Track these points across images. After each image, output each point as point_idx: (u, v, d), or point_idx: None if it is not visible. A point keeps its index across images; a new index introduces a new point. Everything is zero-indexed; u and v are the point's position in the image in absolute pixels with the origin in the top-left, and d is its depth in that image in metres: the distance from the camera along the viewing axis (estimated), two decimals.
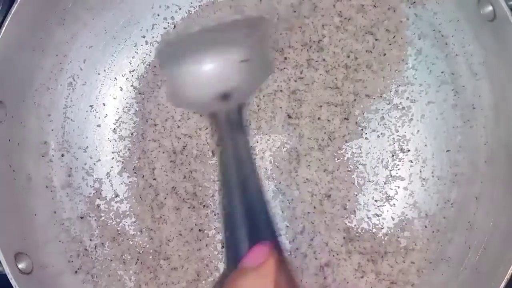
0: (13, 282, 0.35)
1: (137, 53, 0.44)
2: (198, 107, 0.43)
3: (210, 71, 0.42)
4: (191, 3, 0.44)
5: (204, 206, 0.43)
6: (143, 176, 0.44)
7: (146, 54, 0.44)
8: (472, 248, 0.40)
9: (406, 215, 0.43)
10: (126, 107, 0.44)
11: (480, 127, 0.41)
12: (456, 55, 0.42)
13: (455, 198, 0.42)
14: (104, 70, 0.44)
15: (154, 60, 0.44)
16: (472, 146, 0.42)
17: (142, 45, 0.44)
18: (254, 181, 0.40)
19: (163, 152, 0.43)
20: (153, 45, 0.44)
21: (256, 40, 0.42)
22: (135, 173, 0.44)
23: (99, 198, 0.43)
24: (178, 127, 0.43)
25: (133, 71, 0.44)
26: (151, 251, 0.43)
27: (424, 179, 0.43)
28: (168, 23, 0.44)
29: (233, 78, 0.42)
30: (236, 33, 0.43)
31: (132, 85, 0.44)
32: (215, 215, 0.43)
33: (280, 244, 0.40)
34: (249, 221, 0.39)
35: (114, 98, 0.44)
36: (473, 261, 0.39)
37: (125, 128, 0.44)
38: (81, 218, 0.43)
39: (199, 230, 0.43)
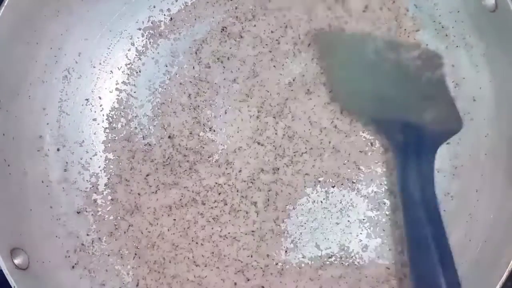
0: (9, 277, 0.35)
1: (133, 45, 0.44)
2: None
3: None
4: None
5: (202, 203, 0.43)
6: (140, 171, 0.43)
7: (142, 47, 0.44)
8: (473, 241, 0.39)
9: None
10: (123, 100, 0.44)
11: (480, 119, 0.41)
12: (457, 46, 0.41)
13: (455, 191, 0.42)
14: (100, 63, 0.44)
15: None
16: (472, 139, 0.41)
17: (138, 38, 0.44)
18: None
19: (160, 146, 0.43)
20: (148, 38, 0.44)
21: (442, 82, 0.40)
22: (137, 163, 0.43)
23: (95, 193, 0.43)
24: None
25: (129, 63, 0.44)
26: (148, 245, 0.42)
27: None
28: (165, 15, 0.44)
29: (427, 114, 0.39)
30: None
31: (128, 78, 0.44)
32: (211, 208, 0.43)
33: None
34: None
35: (110, 92, 0.44)
36: (474, 254, 0.39)
37: (121, 122, 0.44)
38: (78, 213, 0.42)
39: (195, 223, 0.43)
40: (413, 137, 0.39)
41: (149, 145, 0.43)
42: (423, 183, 0.38)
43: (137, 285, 0.42)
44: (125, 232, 0.43)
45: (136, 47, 0.44)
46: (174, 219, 0.43)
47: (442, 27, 0.41)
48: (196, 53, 0.43)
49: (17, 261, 0.36)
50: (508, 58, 0.38)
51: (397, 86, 0.41)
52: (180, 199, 0.43)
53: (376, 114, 0.41)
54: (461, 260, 0.38)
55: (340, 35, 0.42)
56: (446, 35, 0.41)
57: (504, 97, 0.39)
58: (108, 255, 0.42)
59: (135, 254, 0.42)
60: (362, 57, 0.41)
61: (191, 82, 0.43)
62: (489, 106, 0.40)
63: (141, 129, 0.44)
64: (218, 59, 0.43)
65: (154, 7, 0.44)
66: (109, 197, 0.43)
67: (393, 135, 0.40)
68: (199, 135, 0.43)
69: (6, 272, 0.35)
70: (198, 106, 0.43)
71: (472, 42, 0.40)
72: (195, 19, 0.44)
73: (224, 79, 0.43)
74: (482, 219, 0.40)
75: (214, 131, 0.43)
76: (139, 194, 0.43)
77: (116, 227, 0.43)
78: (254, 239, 0.42)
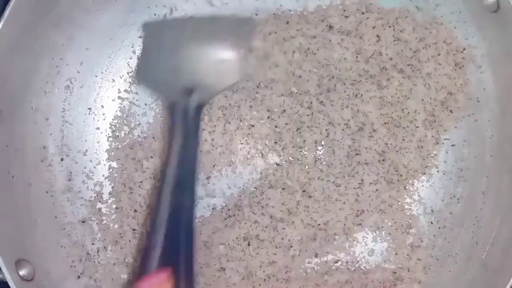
0: None
1: (134, 53, 0.44)
2: (159, 92, 0.43)
3: (183, 62, 0.42)
4: (187, 1, 0.43)
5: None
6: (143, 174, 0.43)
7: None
8: (480, 244, 0.39)
9: (412, 211, 0.42)
10: (125, 108, 0.44)
11: (485, 120, 0.40)
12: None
13: (461, 193, 0.42)
14: (102, 72, 0.44)
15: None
16: (477, 140, 0.41)
17: (139, 46, 0.44)
18: (189, 185, 0.40)
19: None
20: None
21: (235, 41, 0.42)
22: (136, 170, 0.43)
23: (100, 202, 0.43)
24: None
25: (131, 72, 0.44)
26: None
27: (429, 174, 0.42)
28: None
29: (202, 75, 0.42)
30: (220, 30, 0.43)
31: (130, 87, 0.44)
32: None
33: (184, 274, 0.38)
34: (169, 236, 0.39)
35: (112, 100, 0.44)
36: (481, 257, 0.39)
37: (124, 130, 0.44)
38: (83, 222, 0.42)
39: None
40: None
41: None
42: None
43: None
44: (130, 241, 0.43)
45: (137, 55, 0.44)
46: None
47: (445, 29, 0.41)
48: None
49: (22, 272, 0.36)
50: (511, 58, 0.37)
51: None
52: None
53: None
54: (468, 264, 0.38)
55: None
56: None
57: (508, 97, 0.39)
58: (114, 264, 0.42)
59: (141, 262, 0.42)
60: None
61: None
62: (493, 107, 0.40)
63: (144, 137, 0.44)
64: None
65: (155, 14, 0.44)
66: (114, 206, 0.43)
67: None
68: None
69: (11, 284, 0.35)
70: None
71: (474, 43, 0.40)
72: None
73: None
74: (488, 222, 0.39)
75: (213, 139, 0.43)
76: (144, 202, 0.43)
77: (121, 235, 0.43)
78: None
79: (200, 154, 0.42)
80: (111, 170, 0.43)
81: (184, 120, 0.41)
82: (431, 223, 0.42)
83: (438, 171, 0.42)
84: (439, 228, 0.42)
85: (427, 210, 0.42)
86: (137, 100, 0.44)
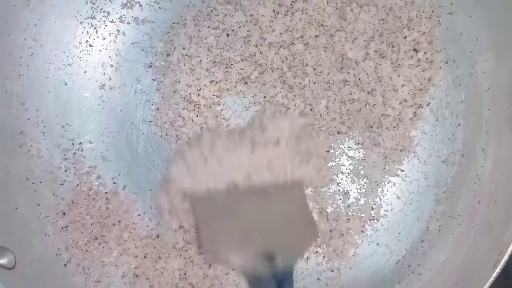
0: None
1: (111, 33, 0.42)
2: (240, 266, 0.37)
3: (254, 229, 0.38)
4: None
5: None
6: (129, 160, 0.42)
7: (122, 33, 0.42)
8: (482, 203, 0.37)
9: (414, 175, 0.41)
10: (106, 85, 0.42)
11: (480, 73, 0.38)
12: None
13: (461, 151, 0.40)
14: (80, 51, 0.42)
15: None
16: (474, 94, 0.39)
17: (114, 22, 0.42)
18: None
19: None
20: (129, 23, 0.42)
21: (298, 200, 0.39)
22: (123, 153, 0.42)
23: (85, 187, 0.41)
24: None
25: (107, 49, 0.42)
26: (149, 240, 0.41)
27: (426, 133, 0.41)
28: None
29: (279, 239, 0.37)
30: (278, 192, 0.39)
31: (111, 65, 0.42)
32: None
33: None
34: None
35: (91, 83, 0.42)
36: (485, 216, 0.37)
37: (109, 113, 0.42)
38: (68, 209, 0.41)
39: None
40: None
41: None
42: None
43: (135, 282, 0.40)
44: (114, 225, 0.41)
45: (116, 33, 0.42)
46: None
47: None
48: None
49: (2, 260, 0.35)
50: (503, 4, 0.35)
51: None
52: None
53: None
54: (472, 224, 0.36)
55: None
56: None
57: (503, 44, 0.37)
58: (102, 252, 0.41)
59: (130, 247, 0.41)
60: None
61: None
62: (488, 58, 0.38)
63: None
64: None
65: None
66: (103, 191, 0.41)
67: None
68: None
69: None
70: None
71: None
72: None
73: None
74: (490, 179, 0.38)
75: None
76: (135, 183, 0.41)
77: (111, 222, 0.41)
78: None
79: None
80: (93, 151, 0.42)
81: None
82: (428, 186, 0.41)
83: (434, 130, 0.40)
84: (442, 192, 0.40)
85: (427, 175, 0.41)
86: (119, 78, 0.42)
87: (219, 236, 0.38)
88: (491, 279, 0.33)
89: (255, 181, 0.38)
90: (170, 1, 0.42)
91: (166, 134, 0.42)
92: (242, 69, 0.41)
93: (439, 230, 0.39)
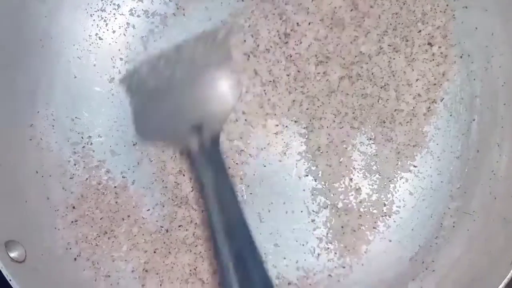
0: (4, 270, 0.33)
1: (121, 26, 0.42)
2: (168, 141, 0.40)
3: (180, 102, 0.39)
4: None
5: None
6: (141, 153, 0.41)
7: (132, 26, 0.42)
8: (498, 199, 0.37)
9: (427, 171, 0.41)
10: (115, 79, 0.42)
11: (496, 67, 0.38)
12: None
13: (476, 147, 0.40)
14: (90, 44, 0.42)
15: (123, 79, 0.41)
16: (490, 90, 0.39)
17: (124, 15, 0.42)
18: (239, 220, 0.37)
19: None
20: (139, 16, 0.42)
21: (217, 58, 0.40)
22: (134, 145, 0.41)
23: (94, 181, 0.41)
24: None
25: (117, 42, 0.42)
26: (159, 235, 0.40)
27: (439, 129, 0.41)
28: None
29: (205, 108, 0.39)
30: (198, 54, 0.40)
31: (120, 58, 0.42)
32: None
33: None
34: (240, 273, 0.35)
35: (100, 76, 0.42)
36: (501, 211, 0.36)
37: (118, 107, 0.42)
38: (78, 203, 0.40)
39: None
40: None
41: None
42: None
43: (145, 277, 0.40)
44: (123, 219, 0.41)
45: (126, 26, 0.42)
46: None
47: None
48: None
49: (13, 254, 0.35)
50: None
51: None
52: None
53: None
54: (487, 220, 0.36)
55: None
56: None
57: None
58: (112, 246, 0.40)
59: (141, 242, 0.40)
60: None
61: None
62: (504, 52, 0.37)
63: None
64: None
65: None
66: (112, 185, 0.41)
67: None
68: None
69: (0, 265, 0.33)
70: None
71: None
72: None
73: None
74: (505, 175, 0.37)
75: None
76: (143, 177, 0.41)
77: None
78: None
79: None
80: (103, 145, 0.41)
81: (206, 159, 0.38)
82: (441, 182, 0.40)
83: (448, 126, 0.40)
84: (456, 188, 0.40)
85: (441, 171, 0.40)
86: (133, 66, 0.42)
87: (151, 114, 0.40)
88: (509, 275, 0.32)
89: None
90: None
91: None
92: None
93: (453, 226, 0.39)
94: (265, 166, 0.41)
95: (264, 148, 0.41)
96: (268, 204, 0.41)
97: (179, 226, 0.40)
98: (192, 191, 0.40)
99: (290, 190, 0.41)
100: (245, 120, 0.41)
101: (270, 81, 0.41)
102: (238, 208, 0.37)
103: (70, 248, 0.39)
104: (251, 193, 0.41)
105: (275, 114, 0.41)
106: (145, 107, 0.40)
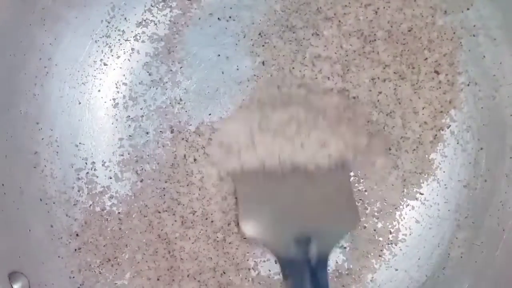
0: None
1: (125, 51, 0.42)
2: (274, 247, 0.38)
3: (291, 210, 0.37)
4: None
5: None
6: (142, 180, 0.41)
7: (136, 51, 0.42)
8: (506, 230, 0.36)
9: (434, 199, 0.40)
10: (122, 107, 0.42)
11: (504, 97, 0.38)
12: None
13: (484, 177, 0.39)
14: (95, 70, 0.42)
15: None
16: (497, 119, 0.39)
17: (129, 41, 0.42)
18: None
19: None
20: (144, 42, 0.42)
21: (339, 184, 0.38)
22: (137, 173, 0.41)
23: (98, 207, 0.41)
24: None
25: (121, 67, 0.42)
26: (162, 262, 0.40)
27: (446, 156, 0.40)
28: (156, 16, 0.42)
29: (315, 222, 0.37)
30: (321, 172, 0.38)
31: (124, 83, 0.42)
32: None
33: None
34: None
35: (105, 102, 0.42)
36: (509, 244, 0.36)
37: (122, 132, 0.41)
38: (81, 230, 0.40)
39: None
40: (307, 246, 0.37)
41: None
42: None
43: None
44: (127, 246, 0.40)
45: (130, 51, 0.42)
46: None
47: None
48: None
49: (16, 286, 0.34)
50: None
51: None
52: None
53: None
54: (496, 252, 0.35)
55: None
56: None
57: None
58: (115, 274, 0.40)
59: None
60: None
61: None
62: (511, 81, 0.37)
63: (146, 132, 0.41)
64: None
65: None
66: (116, 211, 0.41)
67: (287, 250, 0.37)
68: None
69: None
70: None
71: (487, 13, 0.38)
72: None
73: None
74: None
75: None
76: (146, 205, 0.41)
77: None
78: None
79: None
80: (108, 172, 0.41)
81: (311, 277, 0.36)
82: (448, 210, 0.40)
83: (455, 154, 0.40)
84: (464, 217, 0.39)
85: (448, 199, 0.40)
86: (135, 93, 0.42)
87: (256, 214, 0.37)
88: None
89: (299, 161, 0.38)
90: (185, 21, 0.42)
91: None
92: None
93: (461, 257, 0.38)
94: None
95: None
96: None
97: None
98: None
99: None
100: None
101: None
102: None
103: (74, 277, 0.39)
104: None
105: None
106: (252, 202, 0.39)
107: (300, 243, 0.36)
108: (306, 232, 0.36)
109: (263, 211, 0.38)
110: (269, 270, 0.40)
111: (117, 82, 0.42)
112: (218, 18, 0.41)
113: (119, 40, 0.42)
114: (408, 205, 0.41)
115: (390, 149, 0.40)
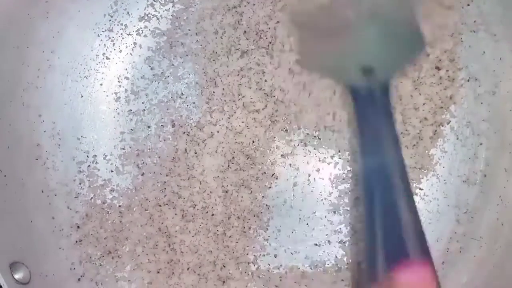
0: None
1: (128, 45, 0.42)
2: (335, 76, 0.37)
3: (351, 41, 0.37)
4: None
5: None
6: (143, 174, 0.41)
7: (139, 46, 0.42)
8: (506, 225, 0.37)
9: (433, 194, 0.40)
10: (124, 100, 0.42)
11: (504, 92, 0.38)
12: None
13: (483, 172, 0.39)
14: (97, 64, 0.42)
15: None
16: (498, 114, 0.39)
17: (131, 35, 0.42)
18: (400, 179, 0.34)
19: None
20: (146, 36, 0.42)
21: (406, 11, 0.37)
22: (138, 167, 0.41)
23: (99, 200, 0.41)
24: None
25: (123, 61, 0.42)
26: (163, 255, 0.40)
27: (446, 152, 0.40)
28: (159, 11, 0.42)
29: (377, 52, 0.37)
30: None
31: (126, 77, 0.42)
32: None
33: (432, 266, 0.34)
34: (389, 232, 0.33)
35: (107, 96, 0.42)
36: (508, 238, 0.36)
37: (124, 126, 0.42)
38: (82, 222, 0.40)
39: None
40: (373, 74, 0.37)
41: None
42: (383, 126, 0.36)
43: None
44: (127, 239, 0.41)
45: (133, 46, 0.42)
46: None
47: None
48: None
49: (17, 276, 0.34)
50: None
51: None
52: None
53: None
54: (495, 246, 0.36)
55: None
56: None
57: None
58: (116, 266, 0.40)
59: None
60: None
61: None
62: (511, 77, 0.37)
63: (147, 126, 0.42)
64: None
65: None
66: (117, 204, 0.41)
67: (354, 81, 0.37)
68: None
69: (5, 287, 0.33)
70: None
71: (487, 9, 0.38)
72: None
73: None
74: None
75: None
76: (147, 198, 0.41)
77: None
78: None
79: None
80: (109, 165, 0.41)
81: (373, 106, 0.36)
82: (448, 206, 0.40)
83: (454, 149, 0.40)
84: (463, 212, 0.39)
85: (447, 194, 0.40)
86: (137, 87, 0.42)
87: (317, 47, 0.37)
88: None
89: None
90: (187, 16, 0.42)
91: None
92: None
93: (460, 251, 0.39)
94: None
95: None
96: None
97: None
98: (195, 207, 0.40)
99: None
100: None
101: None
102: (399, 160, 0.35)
103: (74, 269, 0.39)
104: None
105: None
106: (314, 39, 0.38)
107: (361, 73, 0.36)
108: (368, 62, 0.36)
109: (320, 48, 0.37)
110: (269, 264, 0.40)
111: (119, 76, 0.42)
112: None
113: (121, 34, 0.42)
114: None
115: None
